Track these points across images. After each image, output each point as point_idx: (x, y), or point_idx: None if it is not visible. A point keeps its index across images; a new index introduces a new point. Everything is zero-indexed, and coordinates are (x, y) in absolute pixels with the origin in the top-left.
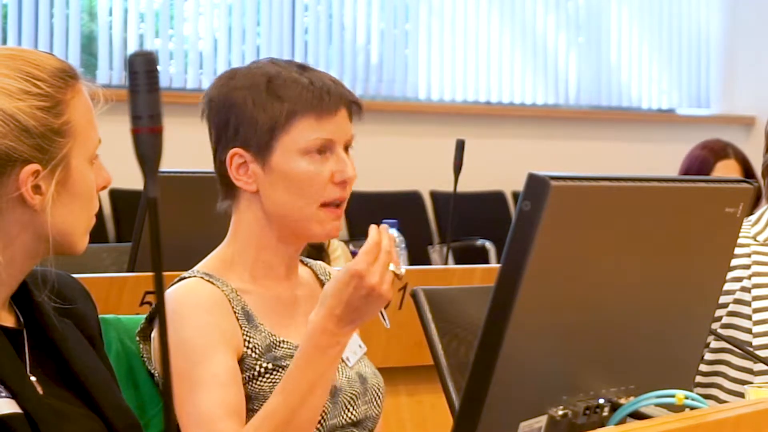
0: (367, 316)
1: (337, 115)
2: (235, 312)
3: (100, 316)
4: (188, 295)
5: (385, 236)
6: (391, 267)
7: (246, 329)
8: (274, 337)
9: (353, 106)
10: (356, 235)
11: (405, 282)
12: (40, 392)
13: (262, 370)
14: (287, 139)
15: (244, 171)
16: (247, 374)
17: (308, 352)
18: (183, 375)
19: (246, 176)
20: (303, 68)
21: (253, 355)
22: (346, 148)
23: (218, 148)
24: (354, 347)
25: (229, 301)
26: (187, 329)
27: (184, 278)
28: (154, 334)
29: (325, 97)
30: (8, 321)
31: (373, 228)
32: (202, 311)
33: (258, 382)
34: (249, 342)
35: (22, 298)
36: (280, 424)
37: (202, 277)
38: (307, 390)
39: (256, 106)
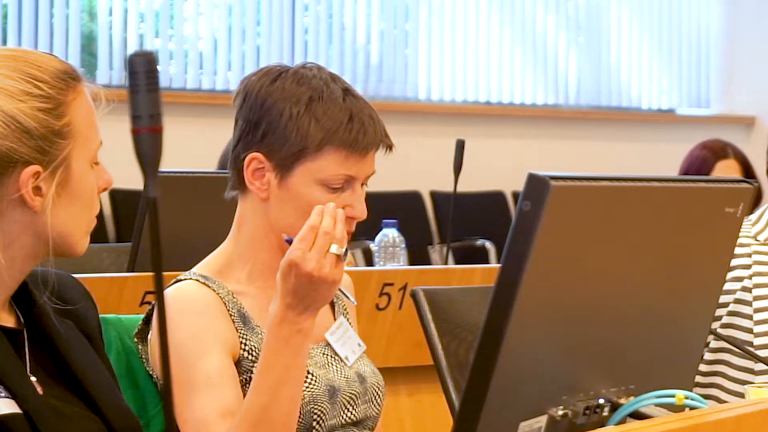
0: (319, 300)
1: (368, 155)
2: (230, 315)
3: (100, 315)
4: (181, 298)
5: (327, 216)
6: (333, 249)
7: (242, 332)
8: None
9: (384, 147)
10: (356, 235)
11: (405, 282)
12: (40, 392)
13: None
14: (312, 165)
15: (259, 176)
16: (244, 377)
17: (271, 344)
18: (178, 379)
19: (260, 182)
20: (347, 93)
21: (250, 357)
22: (363, 182)
23: (240, 144)
24: (353, 346)
25: (225, 303)
26: (179, 333)
27: (180, 280)
28: (151, 335)
29: (361, 138)
30: (8, 321)
31: (315, 209)
32: (194, 314)
33: None
34: (245, 344)
35: (23, 299)
36: (256, 420)
37: (197, 280)
38: (276, 383)
39: (291, 122)
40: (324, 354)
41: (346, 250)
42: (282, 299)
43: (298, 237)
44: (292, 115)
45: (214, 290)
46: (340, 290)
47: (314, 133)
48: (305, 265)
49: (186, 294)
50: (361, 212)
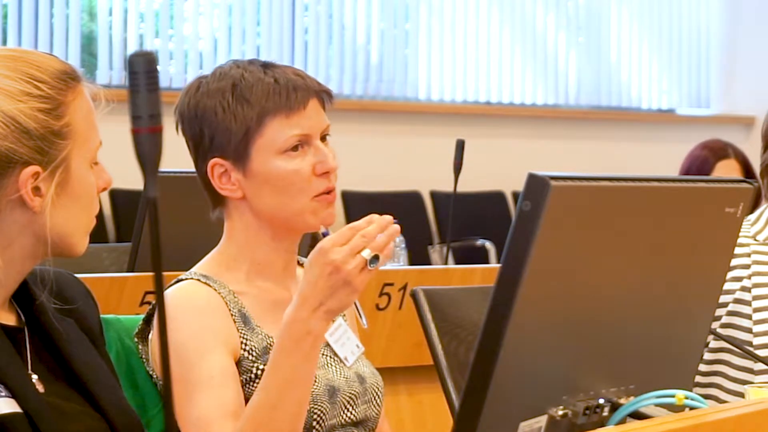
0: (335, 300)
1: (308, 108)
2: (232, 314)
3: (100, 315)
4: (182, 298)
5: (375, 224)
6: (365, 252)
7: (243, 331)
8: (270, 339)
9: (323, 95)
10: None
11: (405, 282)
12: (41, 391)
13: (259, 372)
14: (262, 142)
15: (226, 179)
16: (245, 377)
17: (282, 345)
18: (179, 378)
19: (230, 184)
20: (266, 66)
21: (250, 357)
22: (324, 138)
23: (198, 160)
24: (351, 347)
25: (226, 303)
26: (181, 333)
27: (181, 280)
28: (152, 335)
29: (292, 93)
30: (9, 320)
31: (367, 217)
32: (195, 314)
33: (255, 385)
34: (246, 344)
35: (23, 297)
36: (263, 421)
37: (198, 280)
38: (284, 385)
39: (226, 114)
40: (323, 354)
41: (377, 256)
42: (299, 292)
43: (337, 232)
44: (225, 108)
45: (216, 290)
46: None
47: (249, 112)
48: (331, 254)
49: (187, 293)
50: (332, 163)
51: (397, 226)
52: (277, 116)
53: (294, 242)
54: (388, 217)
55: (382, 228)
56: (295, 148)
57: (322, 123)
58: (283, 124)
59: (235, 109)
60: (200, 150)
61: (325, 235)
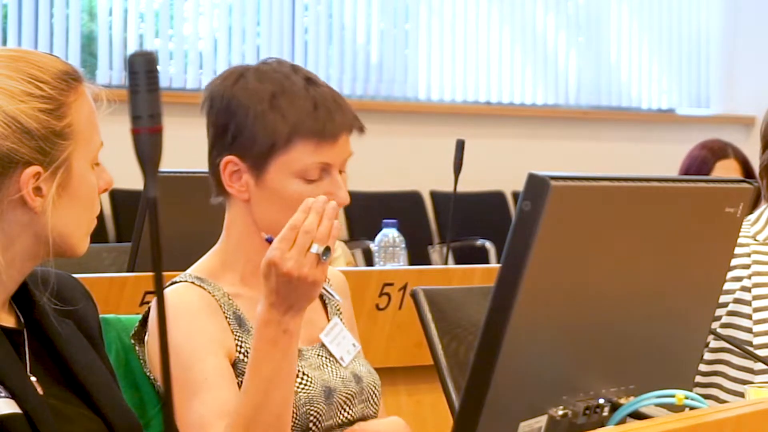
0: (301, 300)
1: (338, 140)
2: (226, 316)
3: (100, 315)
4: (176, 300)
5: (313, 213)
6: (313, 248)
7: (238, 334)
8: None
9: (355, 129)
10: (356, 235)
11: (405, 282)
12: (40, 392)
13: None
14: (284, 159)
15: (237, 179)
16: (240, 379)
17: (259, 346)
18: (175, 380)
19: (238, 184)
20: (309, 81)
21: (245, 360)
22: (342, 168)
23: (213, 149)
24: (348, 346)
25: (221, 306)
26: (176, 334)
27: (175, 282)
28: (148, 337)
29: (328, 123)
30: (8, 321)
31: (301, 206)
32: (190, 316)
33: None
34: (241, 347)
35: (23, 299)
36: (248, 422)
37: (192, 282)
38: (267, 385)
39: (257, 120)
40: (318, 355)
41: (327, 248)
42: (266, 299)
43: (278, 237)
44: (257, 114)
45: (210, 292)
46: (324, 289)
47: (281, 127)
48: (283, 265)
49: (182, 296)
50: (343, 198)
51: (334, 203)
52: (308, 141)
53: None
54: (322, 198)
55: (320, 213)
56: (313, 175)
57: (347, 154)
58: (310, 149)
59: (267, 119)
60: (219, 142)
61: (268, 241)
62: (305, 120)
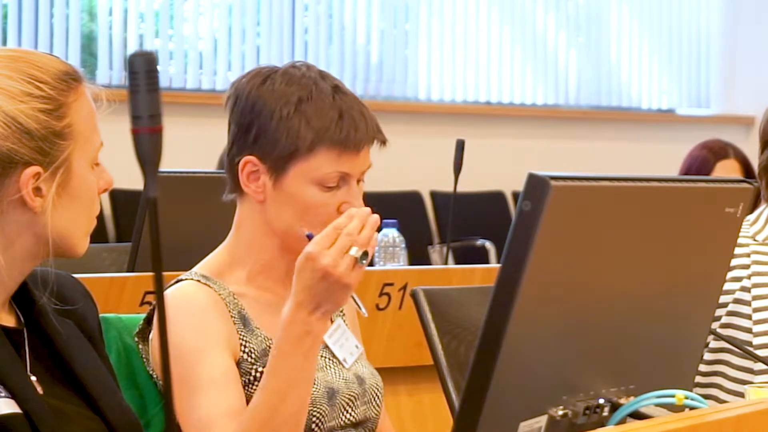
0: (331, 302)
1: (361, 151)
2: (231, 315)
3: (100, 315)
4: (181, 298)
5: (356, 219)
6: (352, 251)
7: (242, 333)
8: (270, 341)
9: (378, 141)
10: None
11: (405, 282)
12: (40, 392)
13: (258, 374)
14: (305, 166)
15: (254, 179)
16: (244, 379)
17: (281, 345)
18: (180, 379)
19: (255, 185)
20: (336, 90)
21: (249, 359)
22: (360, 178)
23: (233, 147)
24: (350, 348)
25: (226, 304)
26: (181, 333)
27: (180, 280)
28: (152, 335)
29: (352, 134)
30: (8, 321)
31: (346, 212)
32: (195, 314)
33: (254, 387)
34: (245, 346)
35: (23, 298)
36: (264, 422)
37: (198, 280)
38: (285, 385)
39: (281, 124)
40: (322, 356)
41: (365, 253)
42: (294, 296)
43: (320, 234)
44: (282, 117)
45: (216, 290)
46: (353, 298)
47: (305, 134)
48: (321, 259)
49: (187, 294)
50: (359, 207)
51: (377, 216)
52: (330, 149)
53: (300, 251)
54: (367, 209)
55: (363, 221)
56: (332, 184)
57: (367, 165)
58: (332, 158)
59: (292, 123)
60: (241, 141)
61: (309, 237)
62: (330, 128)
